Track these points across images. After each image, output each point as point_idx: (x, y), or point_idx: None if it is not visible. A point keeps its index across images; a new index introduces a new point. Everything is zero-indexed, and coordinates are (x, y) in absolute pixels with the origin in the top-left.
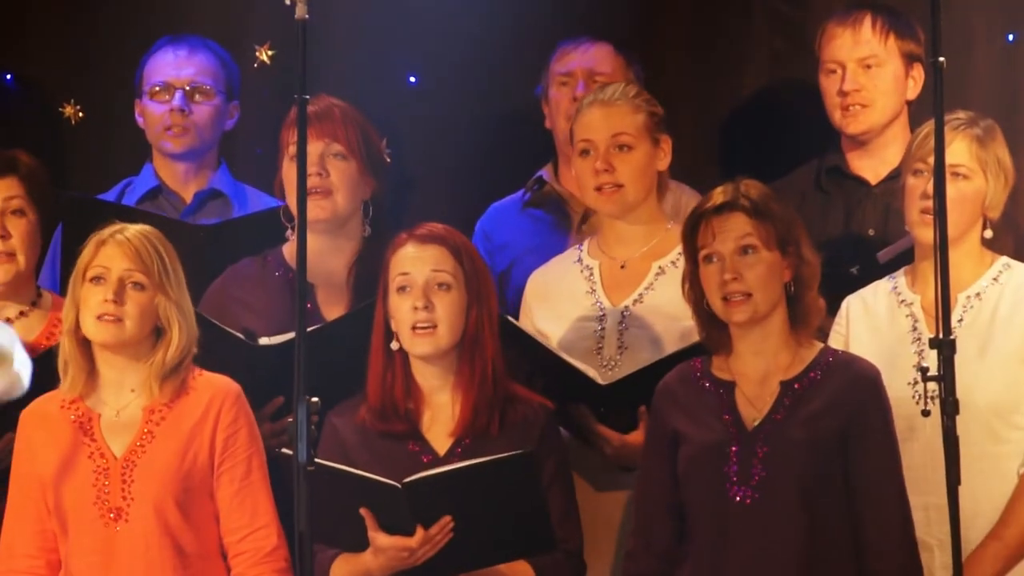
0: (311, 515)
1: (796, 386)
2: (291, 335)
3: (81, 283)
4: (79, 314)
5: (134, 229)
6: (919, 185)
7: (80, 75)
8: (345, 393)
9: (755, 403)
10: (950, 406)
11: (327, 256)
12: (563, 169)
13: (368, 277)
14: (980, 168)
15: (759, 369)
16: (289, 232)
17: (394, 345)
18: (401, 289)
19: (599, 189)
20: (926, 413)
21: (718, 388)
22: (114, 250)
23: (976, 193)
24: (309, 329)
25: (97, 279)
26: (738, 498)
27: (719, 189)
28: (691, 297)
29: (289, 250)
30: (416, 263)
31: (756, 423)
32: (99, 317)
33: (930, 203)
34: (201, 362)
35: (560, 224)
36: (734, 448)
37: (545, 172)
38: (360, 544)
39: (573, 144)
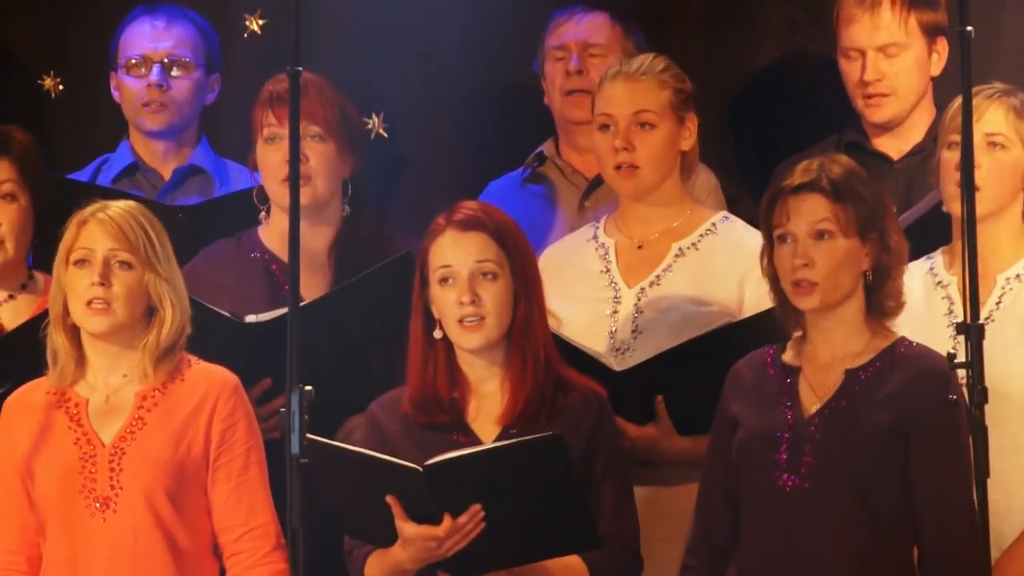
0: (342, 504)
1: (861, 375)
2: (280, 312)
3: (65, 267)
4: (67, 301)
5: (117, 206)
6: (955, 158)
7: (61, 45)
8: (335, 373)
9: (817, 390)
10: (978, 395)
11: (306, 238)
12: (564, 144)
13: (349, 257)
14: (1018, 138)
15: (826, 356)
16: (262, 215)
17: (437, 334)
18: (443, 281)
19: (617, 168)
20: (952, 402)
21: (783, 374)
22: (96, 229)
23: (1015, 164)
24: (301, 304)
25: (81, 262)
26: (788, 486)
27: (803, 164)
28: (769, 272)
29: (264, 231)
30: (458, 253)
31: (814, 410)
32: (88, 304)
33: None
34: (188, 343)
35: (561, 200)
36: (787, 435)
37: (545, 148)
38: (391, 538)
39: (593, 115)
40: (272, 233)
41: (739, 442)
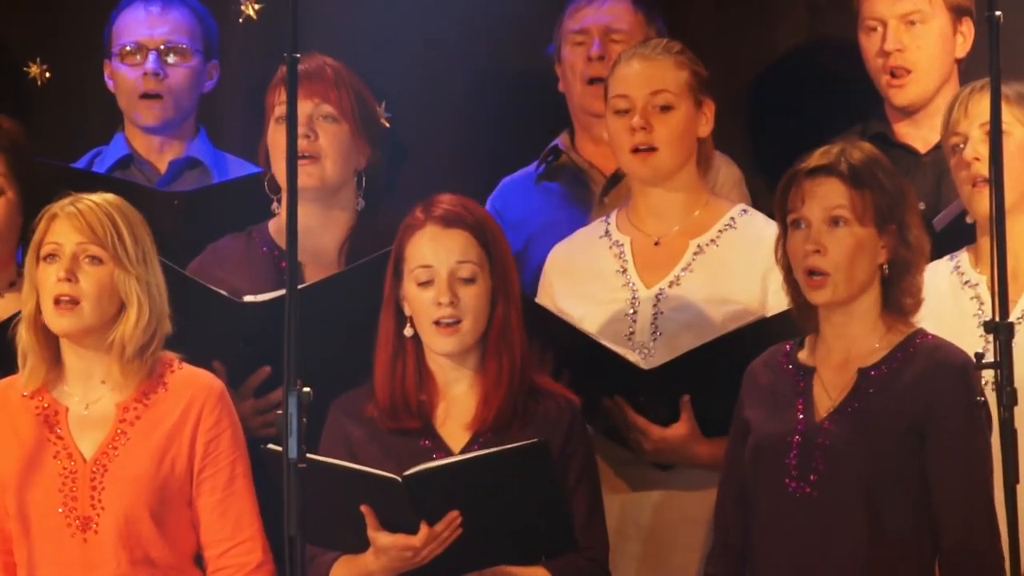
0: (304, 516)
1: (873, 374)
2: (278, 292)
3: (36, 263)
4: (40, 299)
5: (89, 199)
6: (961, 158)
7: (48, 30)
8: (331, 363)
9: (830, 391)
10: (1008, 397)
11: (317, 232)
12: (580, 137)
13: (361, 254)
14: (1016, 120)
15: (840, 355)
16: (275, 205)
17: (407, 332)
18: (421, 280)
19: (634, 151)
20: (979, 404)
21: (798, 374)
22: (65, 224)
23: (1020, 148)
24: (300, 287)
25: (50, 257)
26: (797, 494)
27: (823, 148)
28: (783, 264)
29: (275, 225)
30: (439, 253)
31: (827, 413)
32: (55, 301)
33: (976, 171)
34: (181, 325)
35: (579, 197)
36: (797, 440)
37: (560, 141)
38: (360, 545)
39: (607, 100)
40: (283, 227)
41: (750, 446)
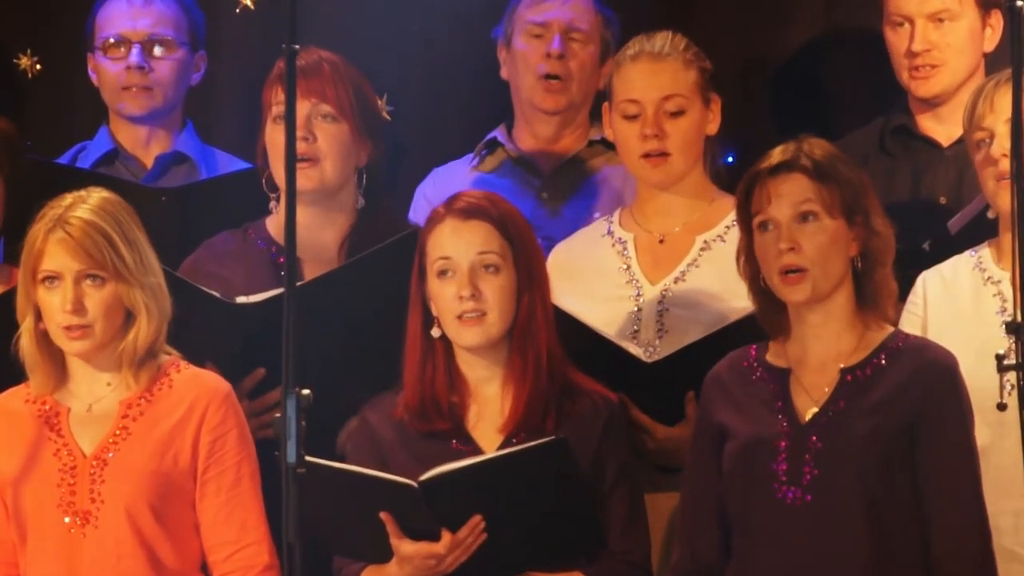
0: (329, 524)
1: (859, 373)
2: (273, 292)
3: (33, 283)
4: (44, 319)
5: (78, 215)
6: (988, 155)
7: (39, 22)
8: (334, 362)
9: (811, 392)
10: None
11: (316, 229)
12: (519, 129)
13: (361, 252)
14: None
15: (818, 354)
16: (273, 203)
17: (435, 332)
18: (442, 274)
19: (646, 156)
20: (1002, 407)
21: (771, 377)
22: (59, 250)
23: None
24: (297, 284)
25: (50, 280)
26: (788, 499)
27: (779, 148)
28: (747, 272)
29: (273, 222)
30: (459, 245)
31: (812, 415)
32: (66, 329)
33: (1003, 168)
34: (173, 327)
35: (517, 191)
36: (784, 443)
37: (499, 133)
38: (385, 554)
39: (611, 100)
40: (281, 224)
41: (731, 454)
